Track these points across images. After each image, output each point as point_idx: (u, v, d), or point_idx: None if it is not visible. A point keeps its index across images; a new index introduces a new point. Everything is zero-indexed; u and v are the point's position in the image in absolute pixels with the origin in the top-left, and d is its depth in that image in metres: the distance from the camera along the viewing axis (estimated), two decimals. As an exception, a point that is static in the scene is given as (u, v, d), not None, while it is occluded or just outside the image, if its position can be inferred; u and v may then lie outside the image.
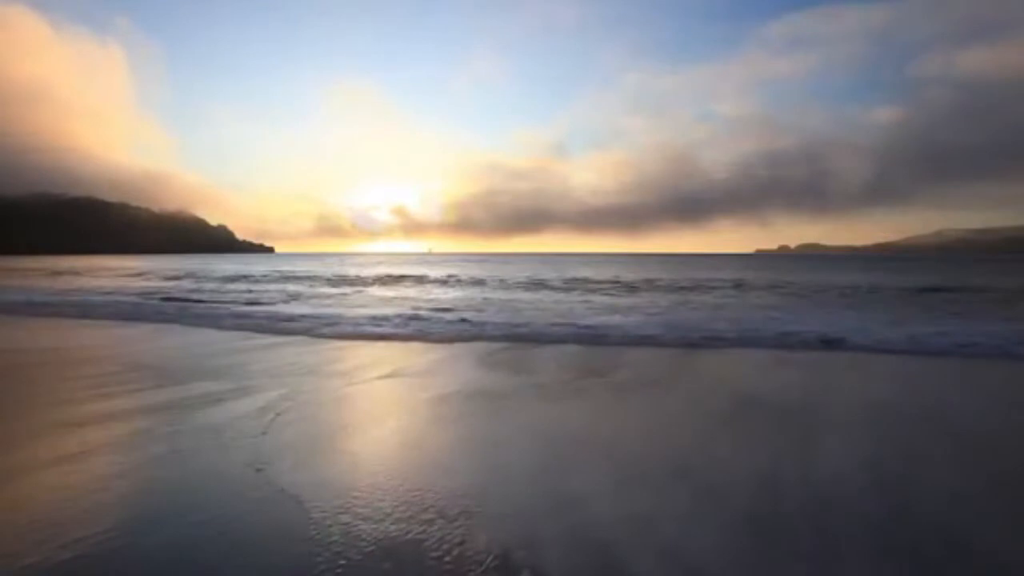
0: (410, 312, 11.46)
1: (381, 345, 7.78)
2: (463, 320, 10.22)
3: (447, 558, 2.21)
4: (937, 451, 3.51)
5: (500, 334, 8.63)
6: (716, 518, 2.56)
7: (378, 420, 4.16)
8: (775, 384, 5.50)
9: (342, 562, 2.17)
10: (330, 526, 2.45)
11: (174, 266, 43.28)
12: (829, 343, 7.62)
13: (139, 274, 31.39)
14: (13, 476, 3.03)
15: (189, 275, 29.49)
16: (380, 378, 5.58)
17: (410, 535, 2.38)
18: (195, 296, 16.24)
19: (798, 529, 2.47)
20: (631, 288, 20.34)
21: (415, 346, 7.70)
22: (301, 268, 35.18)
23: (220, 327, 9.53)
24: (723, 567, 2.16)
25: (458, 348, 7.48)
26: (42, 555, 2.21)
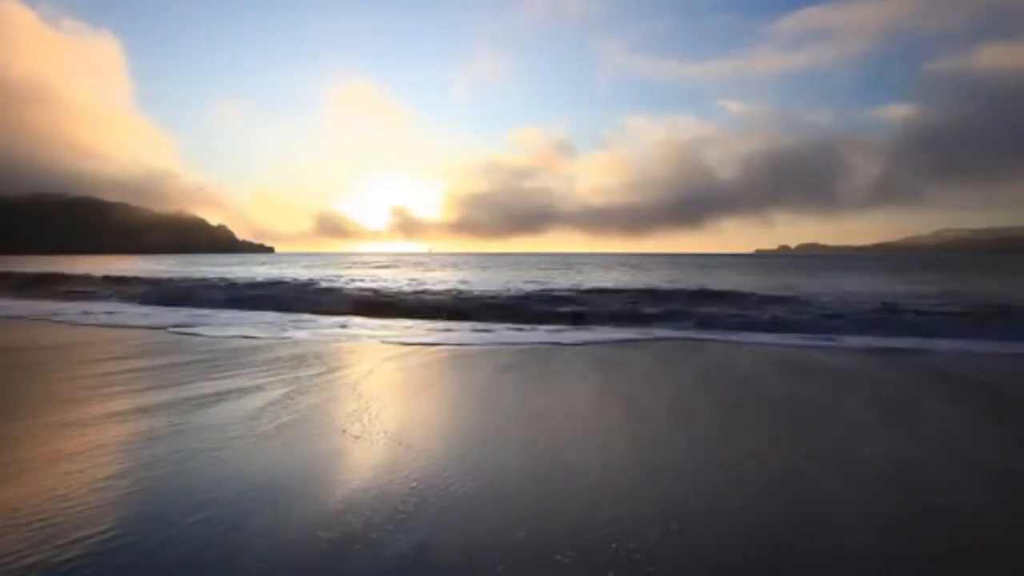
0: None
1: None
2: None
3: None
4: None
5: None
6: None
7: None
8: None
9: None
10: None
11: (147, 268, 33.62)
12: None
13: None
14: (13, 476, 3.03)
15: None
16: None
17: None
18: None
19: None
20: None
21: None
22: (342, 274, 28.60)
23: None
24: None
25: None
26: (42, 555, 2.21)
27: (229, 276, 23.72)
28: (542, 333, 9.04)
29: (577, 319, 11.01)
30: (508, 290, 16.59)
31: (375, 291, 16.33)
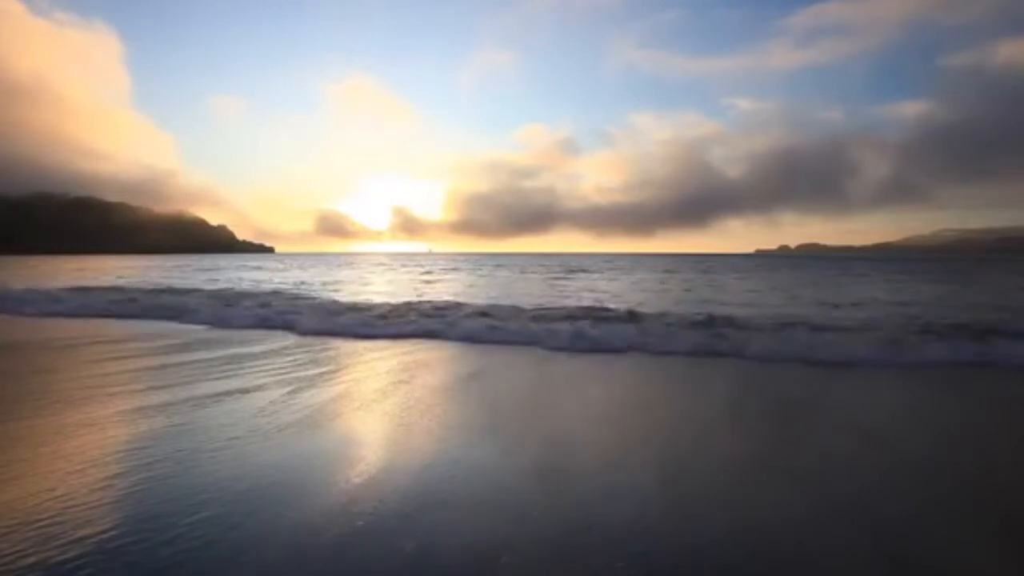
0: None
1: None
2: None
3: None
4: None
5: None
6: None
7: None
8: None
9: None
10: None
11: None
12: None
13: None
14: (13, 476, 3.03)
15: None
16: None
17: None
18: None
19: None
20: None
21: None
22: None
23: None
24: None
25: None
26: (42, 555, 2.21)
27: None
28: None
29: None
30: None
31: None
